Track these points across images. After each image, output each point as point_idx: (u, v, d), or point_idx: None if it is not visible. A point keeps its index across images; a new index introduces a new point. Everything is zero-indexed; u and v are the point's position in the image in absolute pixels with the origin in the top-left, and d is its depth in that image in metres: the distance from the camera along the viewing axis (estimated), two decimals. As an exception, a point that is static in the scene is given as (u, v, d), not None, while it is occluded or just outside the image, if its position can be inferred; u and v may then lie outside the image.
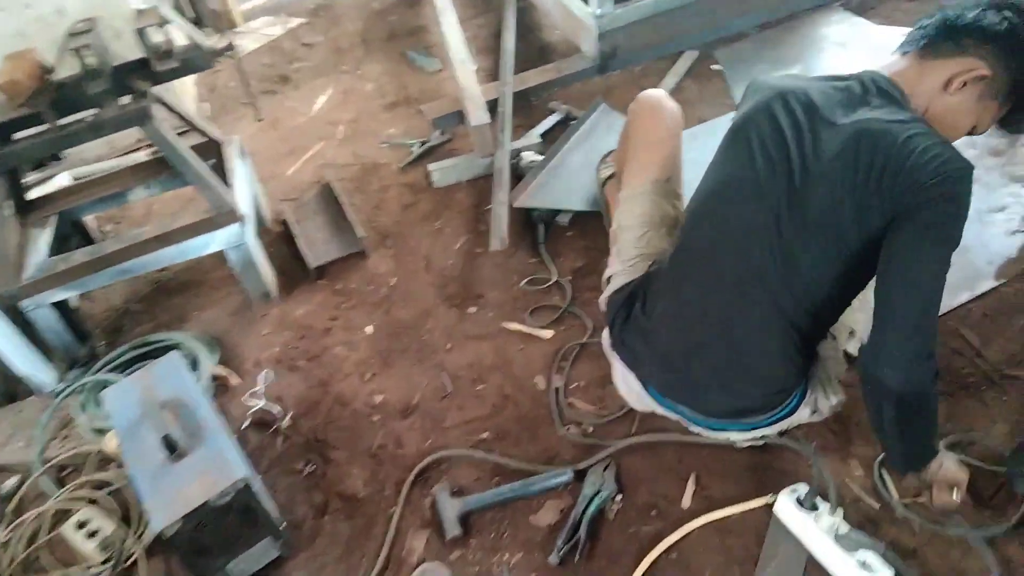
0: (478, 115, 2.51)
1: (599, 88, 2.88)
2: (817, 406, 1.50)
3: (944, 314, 1.86)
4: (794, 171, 1.31)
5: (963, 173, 1.23)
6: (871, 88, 1.35)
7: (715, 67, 2.85)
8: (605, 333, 1.65)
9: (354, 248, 2.33)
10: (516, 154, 2.53)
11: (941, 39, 1.35)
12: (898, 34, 1.44)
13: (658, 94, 1.74)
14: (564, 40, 3.15)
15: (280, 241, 2.43)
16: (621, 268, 1.63)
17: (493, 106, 2.71)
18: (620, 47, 2.85)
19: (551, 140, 2.60)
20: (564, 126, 2.70)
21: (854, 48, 2.81)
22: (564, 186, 2.34)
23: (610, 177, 2.21)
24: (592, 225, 2.28)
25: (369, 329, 2.12)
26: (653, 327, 1.48)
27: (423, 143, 2.73)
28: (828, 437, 1.66)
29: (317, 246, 2.36)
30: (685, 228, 1.49)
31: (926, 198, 1.22)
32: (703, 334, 1.43)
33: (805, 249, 1.31)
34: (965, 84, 1.33)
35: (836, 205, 1.28)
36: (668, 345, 1.47)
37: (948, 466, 1.39)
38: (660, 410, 1.59)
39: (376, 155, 2.75)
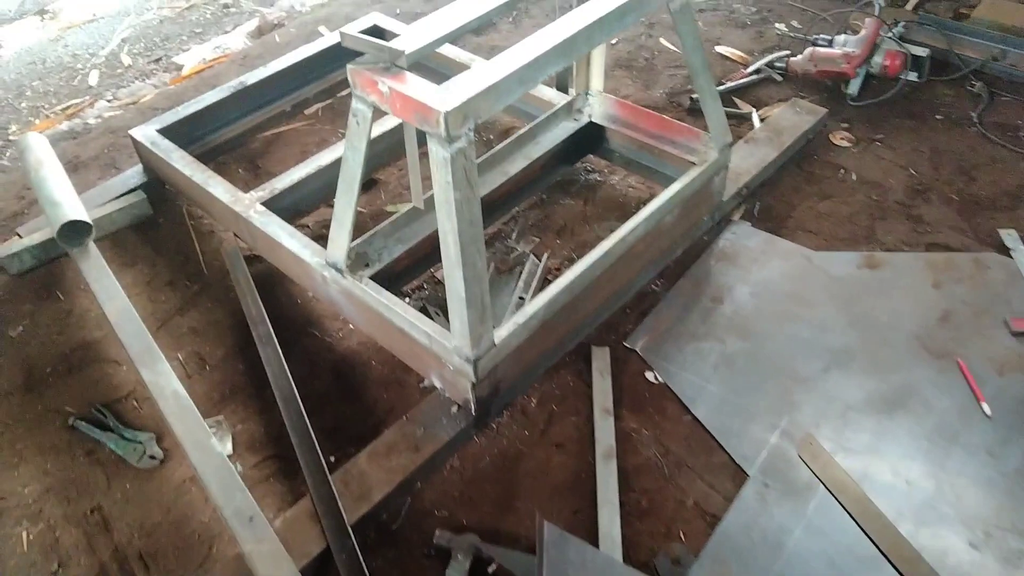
0: None
1: (492, 465, 1.65)
2: None
3: None
4: None
5: None
6: None
7: (651, 376, 1.79)
8: None
9: None
10: None
11: None
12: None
13: None
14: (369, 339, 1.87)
15: None
16: None
17: (323, 563, 1.37)
18: (502, 379, 1.66)
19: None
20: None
21: (810, 287, 1.94)
22: None
23: None
24: None
25: None
26: None
27: None
28: None
29: None
30: None
31: None
32: None
33: None
34: None
35: None
36: None
37: None
38: None
39: None
